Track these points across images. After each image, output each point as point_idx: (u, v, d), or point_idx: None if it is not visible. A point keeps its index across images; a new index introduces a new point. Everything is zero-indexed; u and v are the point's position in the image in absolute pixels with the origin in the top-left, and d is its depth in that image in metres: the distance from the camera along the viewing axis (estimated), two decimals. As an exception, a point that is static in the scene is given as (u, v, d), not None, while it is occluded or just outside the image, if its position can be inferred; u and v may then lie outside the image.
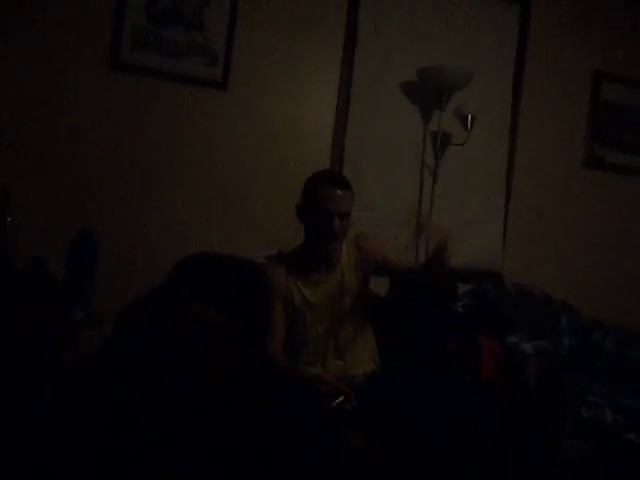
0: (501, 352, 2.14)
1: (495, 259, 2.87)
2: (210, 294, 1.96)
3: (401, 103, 2.72)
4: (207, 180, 2.46)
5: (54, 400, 1.82)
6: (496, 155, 2.88)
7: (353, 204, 1.76)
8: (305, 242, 1.85)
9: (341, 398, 1.53)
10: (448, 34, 2.78)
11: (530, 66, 2.93)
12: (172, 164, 2.41)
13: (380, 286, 2.14)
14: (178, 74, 2.37)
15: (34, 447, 1.68)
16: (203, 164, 2.46)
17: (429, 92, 2.64)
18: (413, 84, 2.69)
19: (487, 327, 2.29)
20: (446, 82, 2.53)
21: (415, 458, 1.51)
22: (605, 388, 2.37)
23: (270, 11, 2.52)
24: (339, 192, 1.71)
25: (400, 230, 2.70)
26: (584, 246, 3.05)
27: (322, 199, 1.70)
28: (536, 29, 2.93)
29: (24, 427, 1.71)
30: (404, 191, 2.72)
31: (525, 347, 2.12)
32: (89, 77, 2.30)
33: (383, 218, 2.67)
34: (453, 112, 2.71)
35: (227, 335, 1.69)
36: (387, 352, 1.89)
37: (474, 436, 1.57)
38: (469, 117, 2.65)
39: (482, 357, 2.02)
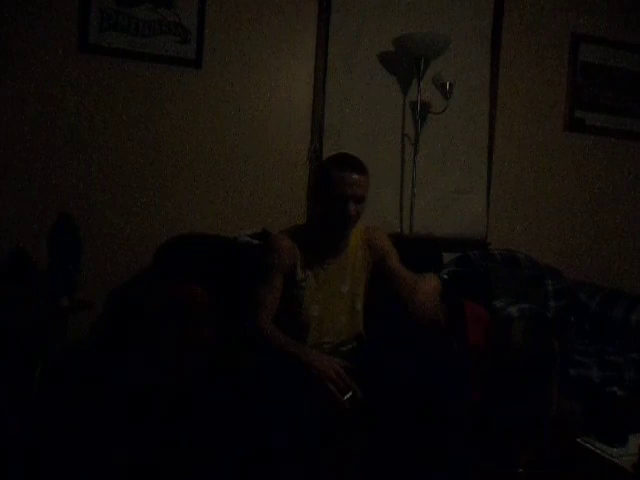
0: (488, 317, 2.16)
1: (480, 227, 2.88)
2: (195, 274, 1.95)
3: (379, 73, 2.69)
4: (187, 160, 2.43)
5: (43, 389, 1.82)
6: (477, 122, 2.86)
7: (369, 188, 1.72)
8: (315, 224, 1.82)
9: (350, 393, 1.49)
10: (423, 2, 2.75)
11: (507, 31, 2.90)
12: (151, 145, 2.38)
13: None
14: (150, 53, 2.33)
15: (24, 436, 1.68)
16: (183, 144, 2.43)
17: (406, 61, 2.62)
18: (390, 54, 2.66)
19: (474, 293, 2.30)
20: (423, 49, 2.50)
21: (394, 421, 1.53)
22: (592, 347, 2.42)
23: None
24: (356, 176, 1.67)
25: (382, 202, 2.70)
26: (567, 209, 3.07)
27: (338, 183, 1.66)
28: (512, -7, 2.90)
29: (14, 414, 1.71)
30: (386, 162, 2.71)
31: (511, 310, 2.14)
32: (58, 61, 2.25)
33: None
34: (432, 80, 2.69)
35: (211, 312, 1.69)
36: (374, 319, 1.89)
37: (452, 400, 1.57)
38: (447, 85, 2.63)
39: (468, 322, 2.03)
